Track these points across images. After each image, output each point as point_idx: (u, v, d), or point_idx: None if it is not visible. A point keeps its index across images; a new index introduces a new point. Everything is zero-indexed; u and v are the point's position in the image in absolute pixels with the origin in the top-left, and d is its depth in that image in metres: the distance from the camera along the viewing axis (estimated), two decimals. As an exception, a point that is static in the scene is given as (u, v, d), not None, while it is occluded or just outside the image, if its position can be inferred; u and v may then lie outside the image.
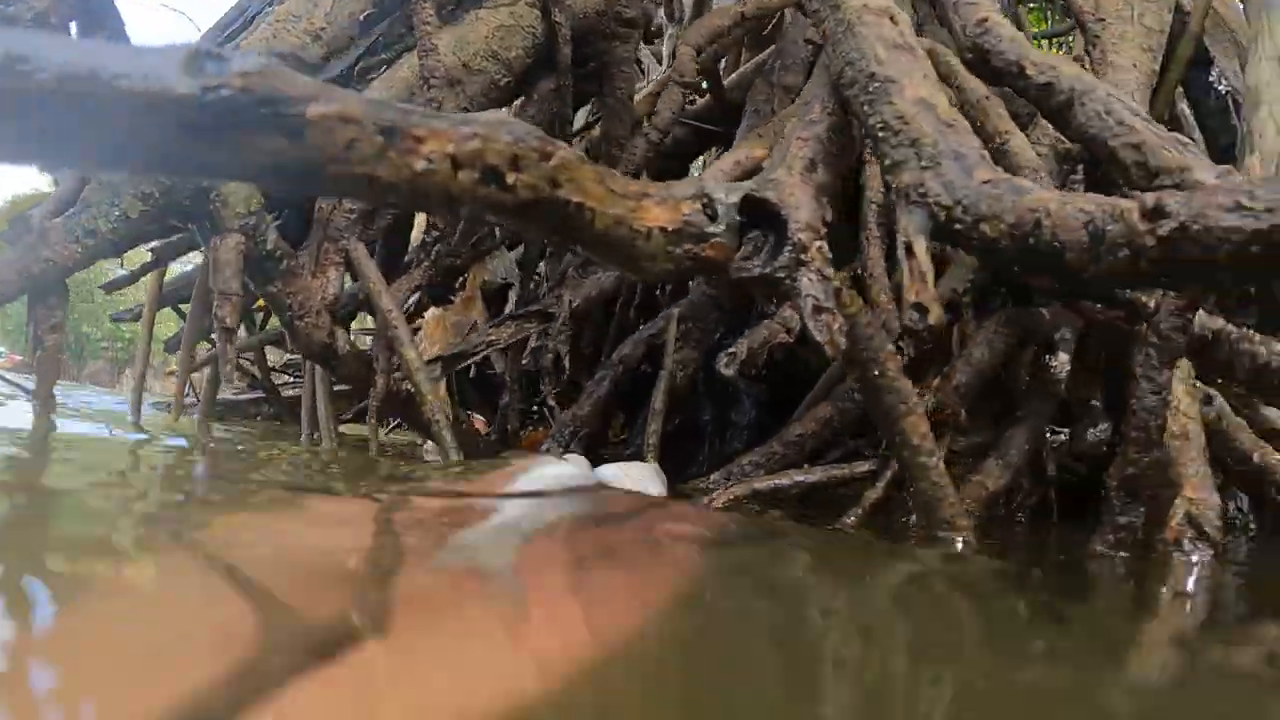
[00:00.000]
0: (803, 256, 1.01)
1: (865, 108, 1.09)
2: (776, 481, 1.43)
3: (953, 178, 1.00)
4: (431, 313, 2.22)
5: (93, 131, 0.44)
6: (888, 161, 1.05)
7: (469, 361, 1.70)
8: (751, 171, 1.14)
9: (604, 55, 1.93)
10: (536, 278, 2.41)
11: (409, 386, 1.46)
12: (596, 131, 2.21)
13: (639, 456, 1.83)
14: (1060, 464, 1.78)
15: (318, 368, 1.61)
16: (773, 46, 2.43)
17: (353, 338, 1.66)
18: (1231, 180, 1.01)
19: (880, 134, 1.06)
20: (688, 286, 2.17)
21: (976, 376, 1.68)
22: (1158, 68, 1.93)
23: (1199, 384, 1.32)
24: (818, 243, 1.02)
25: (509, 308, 2.36)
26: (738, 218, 0.96)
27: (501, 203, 0.66)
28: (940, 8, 1.32)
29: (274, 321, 2.29)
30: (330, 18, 1.34)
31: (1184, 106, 2.48)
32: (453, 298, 2.16)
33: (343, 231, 1.47)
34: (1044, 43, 3.69)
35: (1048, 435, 1.75)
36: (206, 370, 2.39)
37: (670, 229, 0.86)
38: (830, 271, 1.03)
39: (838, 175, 1.18)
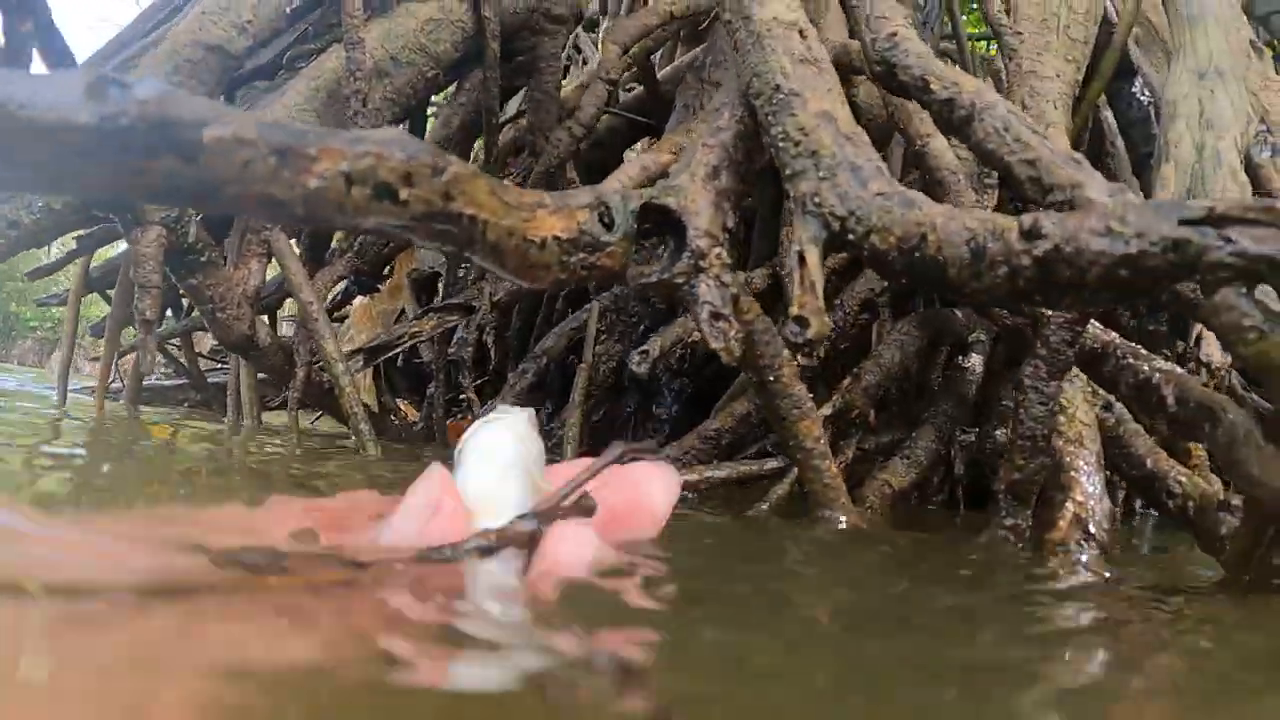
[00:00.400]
0: (701, 263, 1.04)
1: (769, 118, 1.13)
2: (686, 476, 1.47)
3: (847, 189, 1.03)
4: (358, 301, 2.24)
5: (-2, 158, 0.47)
6: (788, 171, 1.09)
7: (392, 353, 1.73)
8: (657, 177, 1.18)
9: (532, 49, 1.96)
10: (465, 267, 2.44)
11: (329, 378, 1.49)
12: (524, 122, 2.24)
13: (559, 447, 1.88)
14: (967, 462, 1.85)
15: (241, 354, 1.63)
16: (704, 44, 2.47)
17: (281, 326, 1.69)
18: (1116, 201, 1.06)
19: (781, 144, 1.10)
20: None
21: (886, 377, 1.74)
22: (1081, 78, 1.99)
23: (1099, 390, 1.38)
24: (716, 249, 1.06)
25: (438, 297, 2.39)
26: (634, 225, 0.99)
27: (396, 218, 0.69)
28: (853, 20, 1.36)
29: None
30: (257, 10, 1.36)
31: (1108, 115, 2.54)
32: (379, 287, 2.19)
33: (265, 222, 1.49)
34: (985, 44, 3.74)
35: (958, 435, 1.82)
36: (133, 356, 2.40)
37: (565, 238, 0.90)
38: (729, 278, 1.07)
39: (742, 182, 1.22)
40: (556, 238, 0.89)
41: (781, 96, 1.13)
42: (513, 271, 0.87)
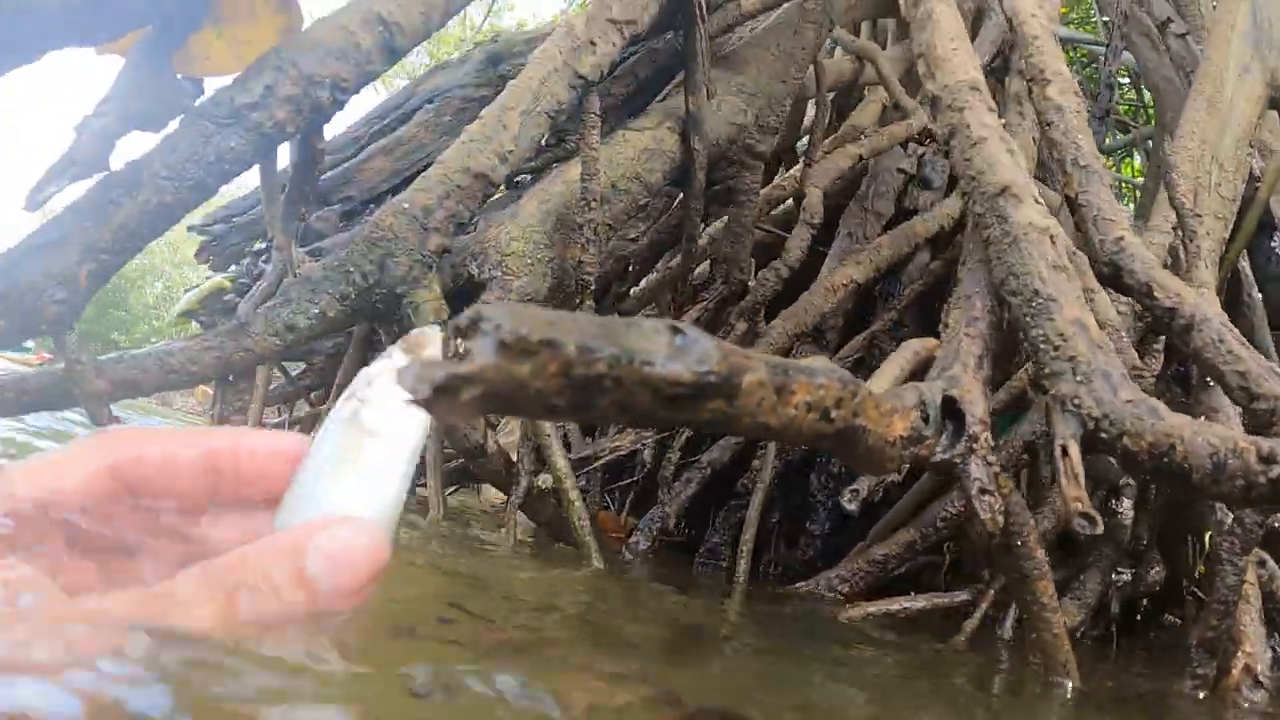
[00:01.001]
0: (974, 445, 1.16)
1: (1028, 319, 1.24)
2: (888, 607, 1.59)
3: (1102, 394, 1.15)
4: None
5: (619, 408, 0.58)
6: (1046, 370, 1.20)
7: (593, 466, 1.84)
8: (926, 362, 1.29)
9: (731, 182, 2.09)
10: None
11: (546, 486, 1.61)
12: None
13: (719, 557, 1.99)
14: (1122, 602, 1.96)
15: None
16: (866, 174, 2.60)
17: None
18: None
19: (1042, 346, 1.21)
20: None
21: (1057, 522, 1.84)
22: (1228, 234, 2.10)
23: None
24: (985, 433, 1.18)
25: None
26: (940, 418, 1.12)
27: (824, 433, 0.81)
28: (1080, 218, 1.47)
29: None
30: (517, 140, 1.48)
31: (1245, 266, 2.63)
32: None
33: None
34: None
35: (1114, 576, 1.93)
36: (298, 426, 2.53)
37: (905, 436, 1.02)
38: (993, 458, 1.19)
39: (994, 368, 1.34)
40: (901, 437, 1.01)
41: (1041, 301, 1.24)
42: (864, 465, 0.99)
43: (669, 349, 0.62)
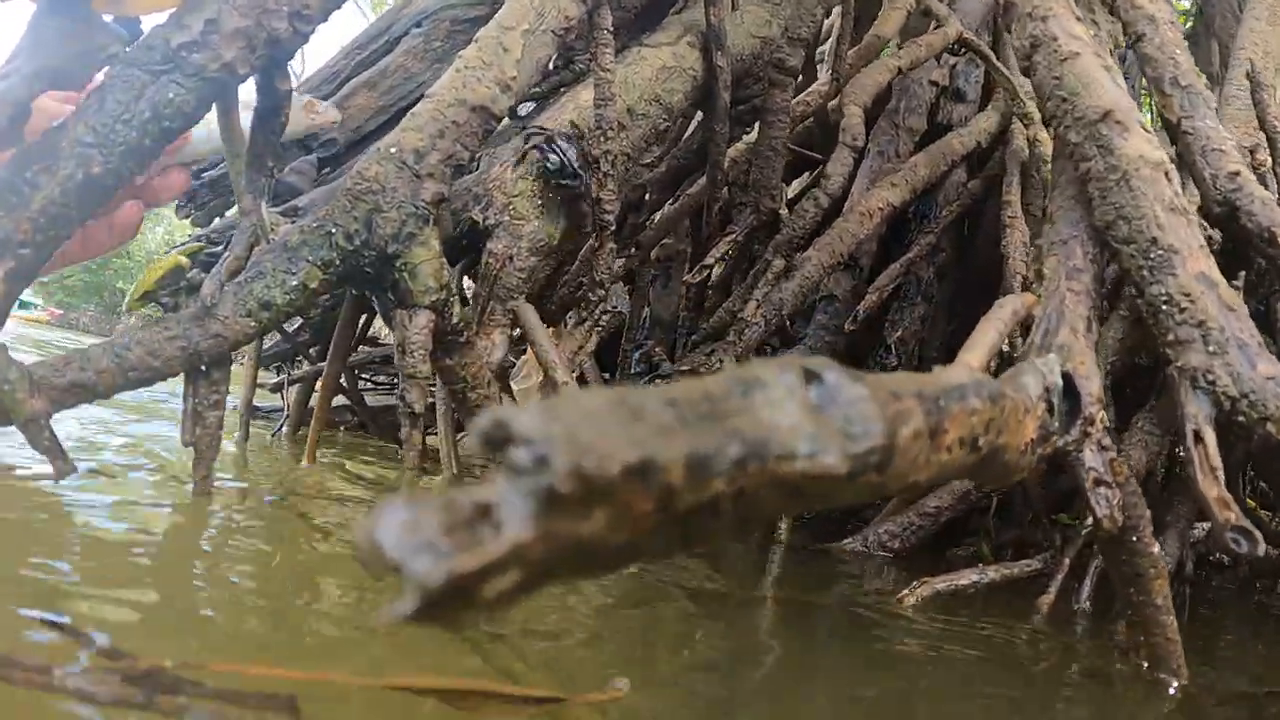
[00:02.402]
0: (1089, 429, 0.94)
1: (1145, 274, 1.00)
2: (957, 581, 1.38)
3: (1239, 369, 0.93)
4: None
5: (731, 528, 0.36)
6: (1170, 337, 0.97)
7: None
8: (1025, 322, 1.06)
9: (758, 100, 1.83)
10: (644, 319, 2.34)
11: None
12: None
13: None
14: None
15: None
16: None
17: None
18: None
19: (1164, 307, 0.98)
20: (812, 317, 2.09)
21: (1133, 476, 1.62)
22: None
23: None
24: (1101, 413, 0.95)
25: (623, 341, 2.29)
26: (1062, 403, 0.89)
27: (968, 464, 0.59)
28: (1183, 147, 1.22)
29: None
30: (521, 66, 1.23)
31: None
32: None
33: (512, 291, 1.37)
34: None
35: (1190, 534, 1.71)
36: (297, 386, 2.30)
37: (1034, 439, 0.79)
38: (1108, 441, 0.96)
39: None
40: (1031, 441, 0.78)
41: (1160, 253, 1.00)
42: (990, 481, 0.76)
43: (809, 419, 0.40)
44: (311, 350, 2.43)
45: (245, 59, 0.96)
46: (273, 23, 0.96)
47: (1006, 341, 1.21)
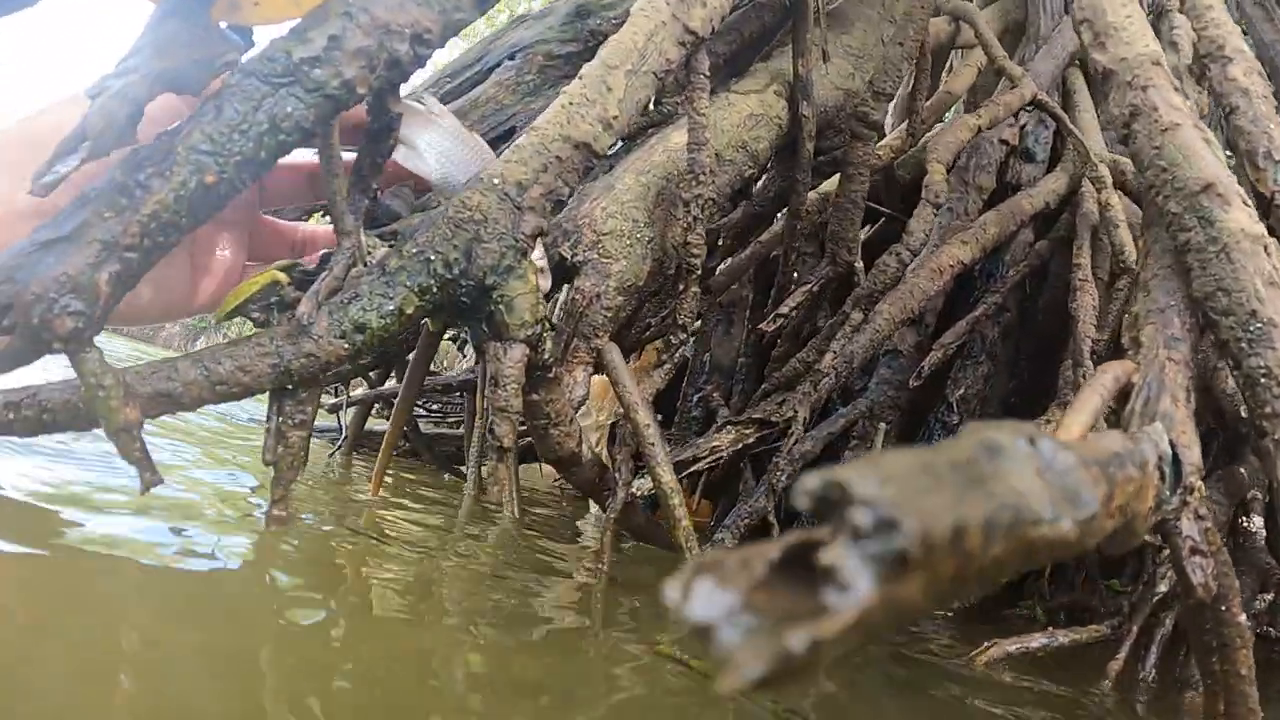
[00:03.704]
0: (1188, 498, 0.88)
1: (1244, 346, 0.96)
2: (1028, 644, 1.33)
3: (1335, 448, 0.88)
4: (598, 379, 2.08)
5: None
6: (1267, 409, 0.92)
7: (693, 469, 1.56)
8: (1125, 390, 1.00)
9: (839, 153, 1.78)
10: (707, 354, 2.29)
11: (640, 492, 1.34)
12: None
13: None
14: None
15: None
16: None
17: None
18: None
19: (1261, 380, 0.94)
20: (875, 371, 2.04)
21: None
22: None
23: None
24: (1200, 483, 0.90)
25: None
26: (1172, 473, 0.83)
27: (1115, 529, 0.55)
28: (1277, 221, 1.18)
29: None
30: (623, 104, 1.19)
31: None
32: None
33: (597, 329, 1.32)
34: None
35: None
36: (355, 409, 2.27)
37: (1152, 506, 0.73)
38: (1205, 511, 0.91)
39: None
40: (1149, 508, 0.72)
41: (1259, 326, 0.95)
42: (1118, 547, 0.71)
43: (1045, 486, 0.37)
44: (372, 373, 2.39)
45: (365, 78, 0.92)
46: (395, 44, 0.92)
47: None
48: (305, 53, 0.90)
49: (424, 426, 2.69)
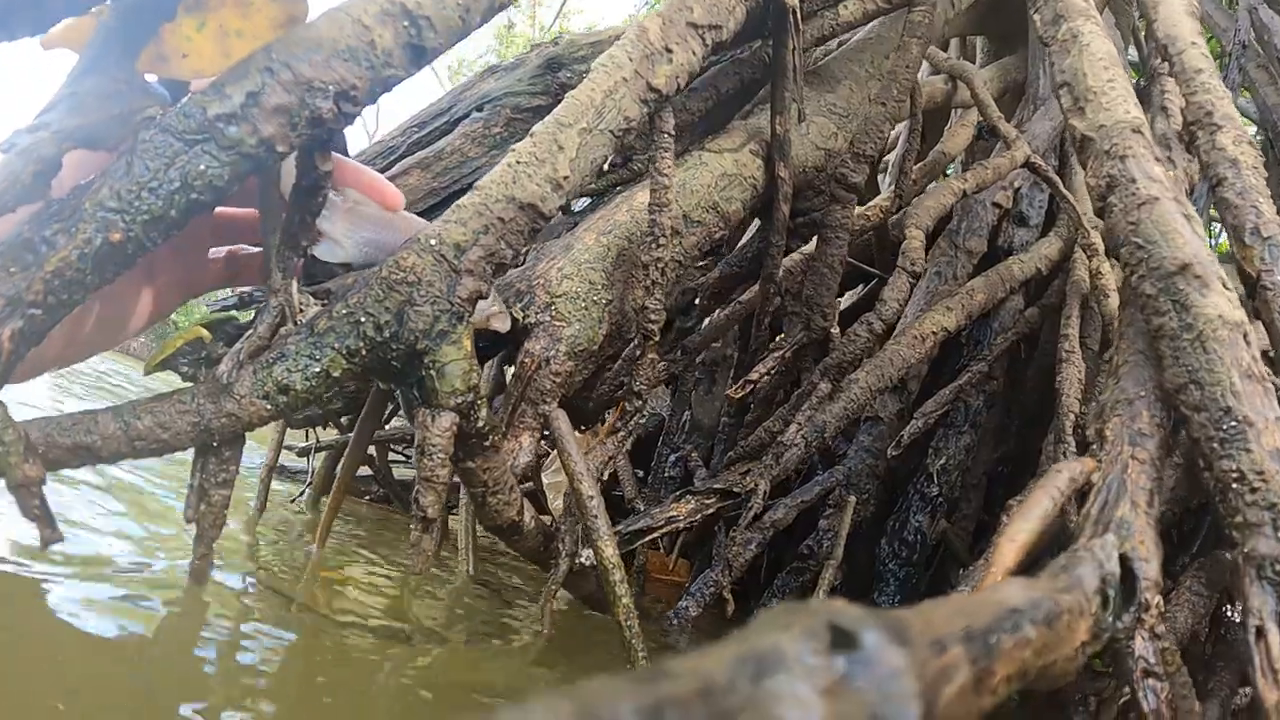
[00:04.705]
0: (1144, 616, 0.84)
1: (1215, 446, 0.91)
2: None
3: (1316, 563, 0.83)
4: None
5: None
6: (1238, 519, 0.88)
7: (650, 537, 1.52)
8: (1081, 490, 0.96)
9: (818, 214, 1.75)
10: (684, 423, 2.26)
11: (589, 562, 1.30)
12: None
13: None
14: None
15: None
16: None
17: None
18: None
19: (1233, 485, 0.88)
20: (854, 438, 2.00)
21: (1178, 642, 1.51)
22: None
23: None
24: (1158, 598, 0.86)
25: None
26: (1118, 592, 0.79)
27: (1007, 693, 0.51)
28: (1262, 304, 1.13)
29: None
30: (575, 165, 1.16)
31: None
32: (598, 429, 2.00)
33: (545, 395, 1.29)
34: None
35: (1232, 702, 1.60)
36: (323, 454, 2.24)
37: (1087, 640, 0.69)
38: (1161, 629, 0.87)
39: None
40: (1083, 642, 0.68)
41: (1233, 424, 0.90)
42: (1036, 686, 0.67)
43: (832, 709, 0.31)
44: (343, 419, 2.36)
45: (285, 136, 0.89)
46: (317, 101, 0.90)
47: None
48: (221, 109, 0.87)
49: (400, 472, 2.65)
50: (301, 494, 2.23)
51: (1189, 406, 0.95)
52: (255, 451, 2.25)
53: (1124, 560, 0.83)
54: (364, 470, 2.44)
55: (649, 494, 2.24)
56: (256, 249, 1.11)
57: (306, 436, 2.56)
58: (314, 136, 0.93)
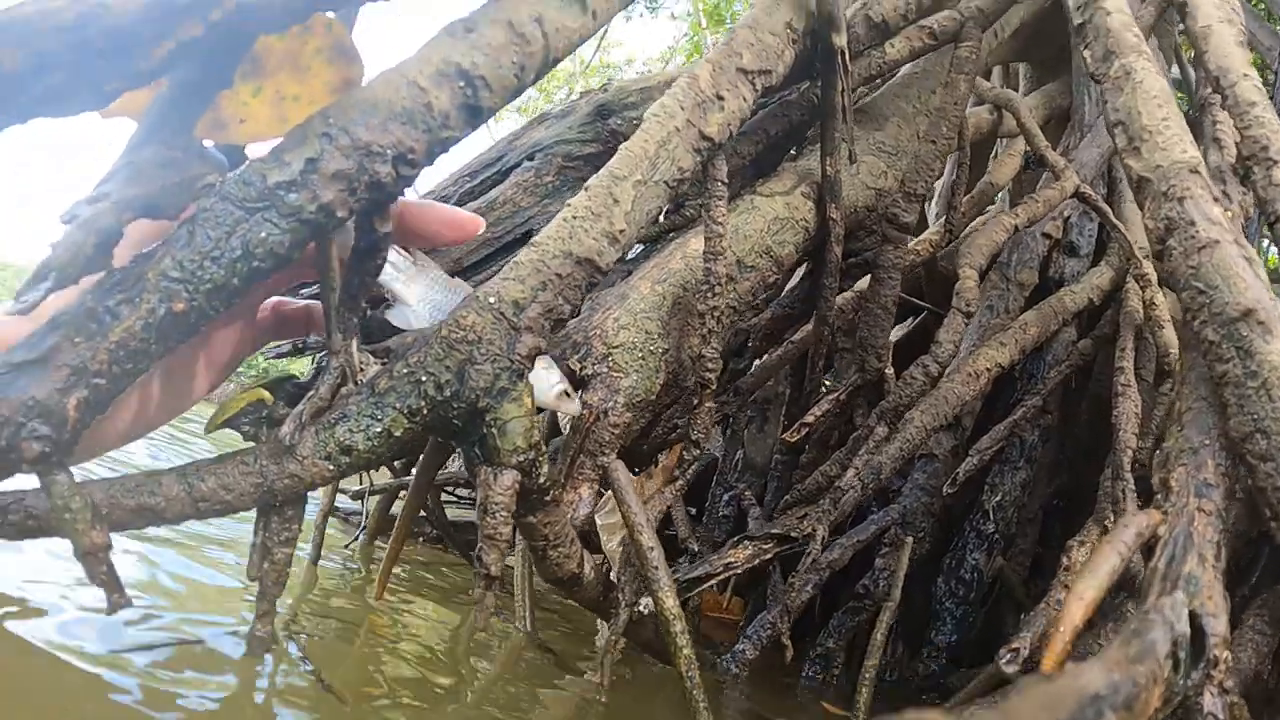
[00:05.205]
0: (1213, 672, 0.81)
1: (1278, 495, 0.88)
2: None
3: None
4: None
5: None
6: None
7: (707, 585, 1.50)
8: (1149, 543, 0.93)
9: (870, 255, 1.73)
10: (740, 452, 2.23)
11: (647, 610, 1.28)
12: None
13: (831, 664, 1.64)
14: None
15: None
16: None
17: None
18: None
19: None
20: (909, 476, 1.97)
21: (1242, 683, 1.46)
22: None
23: None
24: (1226, 653, 0.83)
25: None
26: (1189, 654, 0.76)
27: None
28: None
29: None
30: (630, 218, 1.14)
31: None
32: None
33: (603, 446, 1.27)
34: None
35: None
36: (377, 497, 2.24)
37: (1159, 706, 0.66)
38: (1230, 684, 0.84)
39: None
40: (1155, 709, 0.66)
41: (1298, 473, 0.88)
42: None
43: None
44: (396, 462, 2.35)
45: (344, 201, 0.88)
46: (376, 166, 0.89)
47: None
48: (281, 176, 0.86)
49: (454, 513, 2.64)
50: (355, 539, 2.22)
51: (1255, 455, 0.92)
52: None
53: (1193, 617, 0.80)
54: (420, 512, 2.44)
55: (703, 534, 2.21)
56: (300, 302, 1.11)
57: (361, 480, 2.56)
58: (374, 199, 0.92)
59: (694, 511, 2.42)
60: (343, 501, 2.60)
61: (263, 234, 0.86)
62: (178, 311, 0.85)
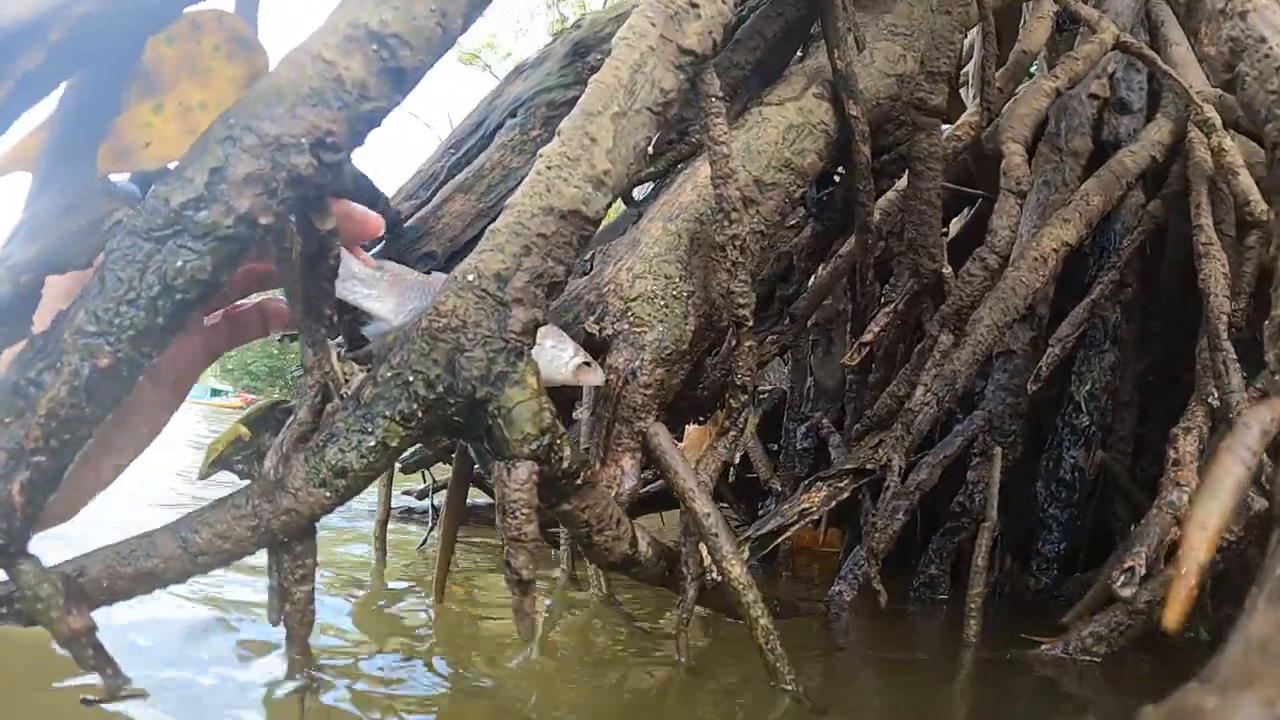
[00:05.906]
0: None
1: None
2: None
3: None
4: (692, 429, 1.90)
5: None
6: None
7: (786, 536, 1.38)
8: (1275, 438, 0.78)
9: (903, 148, 1.57)
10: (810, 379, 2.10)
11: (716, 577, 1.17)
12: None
13: (936, 589, 1.52)
14: None
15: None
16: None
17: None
18: None
19: None
20: (989, 376, 1.82)
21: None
22: None
23: None
24: None
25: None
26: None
27: None
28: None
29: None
30: (615, 155, 1.01)
31: None
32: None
33: (638, 411, 1.15)
34: None
35: None
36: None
37: None
38: None
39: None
40: None
41: None
42: None
43: None
44: (453, 455, 2.27)
45: (265, 206, 0.76)
46: (292, 159, 0.77)
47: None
48: (185, 195, 0.74)
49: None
50: (425, 541, 2.15)
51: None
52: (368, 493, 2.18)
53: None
54: (484, 498, 2.36)
55: (784, 471, 2.09)
56: (249, 300, 1.01)
57: (423, 479, 2.47)
58: (302, 197, 0.80)
59: (774, 448, 2.30)
60: (411, 501, 2.54)
61: (179, 263, 0.75)
62: (104, 368, 0.74)
